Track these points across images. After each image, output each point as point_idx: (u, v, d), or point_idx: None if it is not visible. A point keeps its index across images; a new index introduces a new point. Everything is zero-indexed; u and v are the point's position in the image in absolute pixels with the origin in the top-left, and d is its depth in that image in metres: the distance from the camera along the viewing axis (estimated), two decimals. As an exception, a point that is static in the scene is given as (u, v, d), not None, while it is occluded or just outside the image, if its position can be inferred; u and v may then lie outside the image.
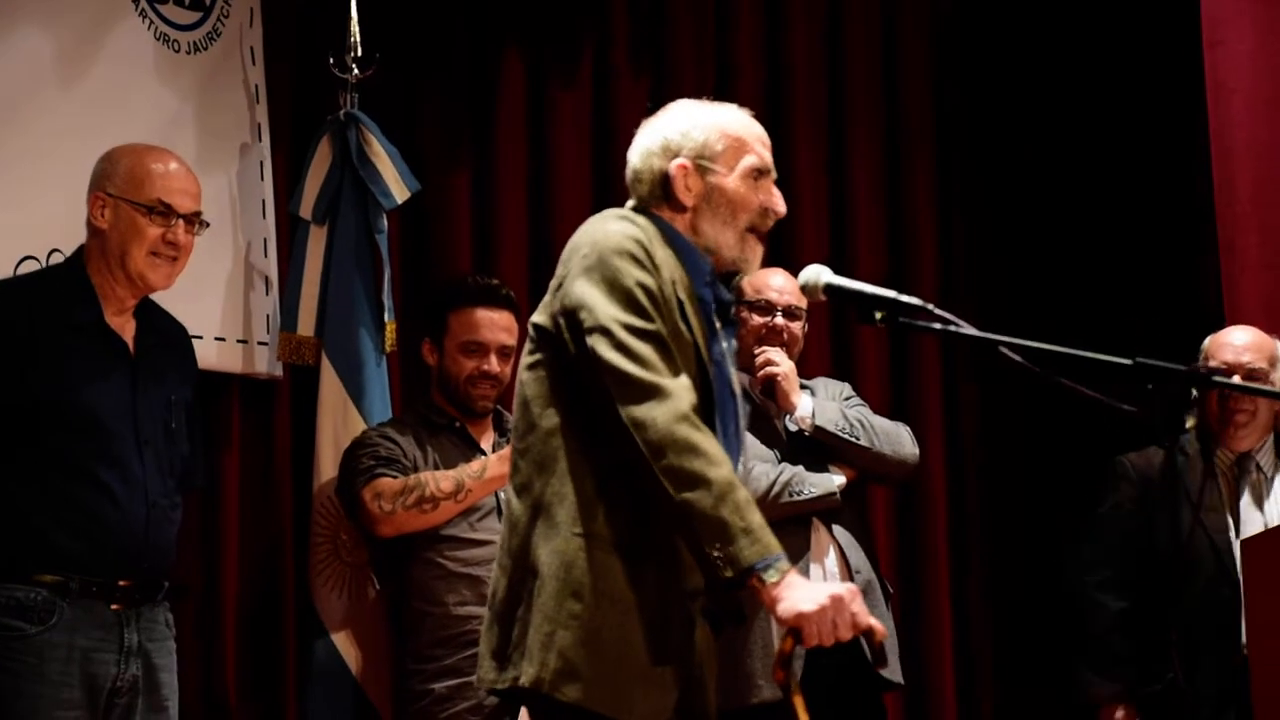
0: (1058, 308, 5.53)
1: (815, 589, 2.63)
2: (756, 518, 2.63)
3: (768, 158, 2.94)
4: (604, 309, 2.72)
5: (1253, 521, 4.30)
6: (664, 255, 2.82)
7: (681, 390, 2.68)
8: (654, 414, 2.64)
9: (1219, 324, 4.49)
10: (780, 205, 2.93)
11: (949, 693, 5.48)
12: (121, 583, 3.40)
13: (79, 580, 3.35)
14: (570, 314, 2.76)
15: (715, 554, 2.60)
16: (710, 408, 2.80)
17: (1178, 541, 4.31)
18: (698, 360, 2.79)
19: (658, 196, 2.91)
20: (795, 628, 2.61)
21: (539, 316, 2.84)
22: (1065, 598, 4.54)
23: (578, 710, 2.67)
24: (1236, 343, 4.32)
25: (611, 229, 2.81)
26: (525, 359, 2.85)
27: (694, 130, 2.91)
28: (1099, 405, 2.90)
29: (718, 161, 2.89)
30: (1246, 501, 4.33)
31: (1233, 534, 4.28)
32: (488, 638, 2.81)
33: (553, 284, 2.85)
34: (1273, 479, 4.35)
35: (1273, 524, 4.25)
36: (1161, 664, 4.26)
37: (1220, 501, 4.33)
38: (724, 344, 2.91)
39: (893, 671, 4.31)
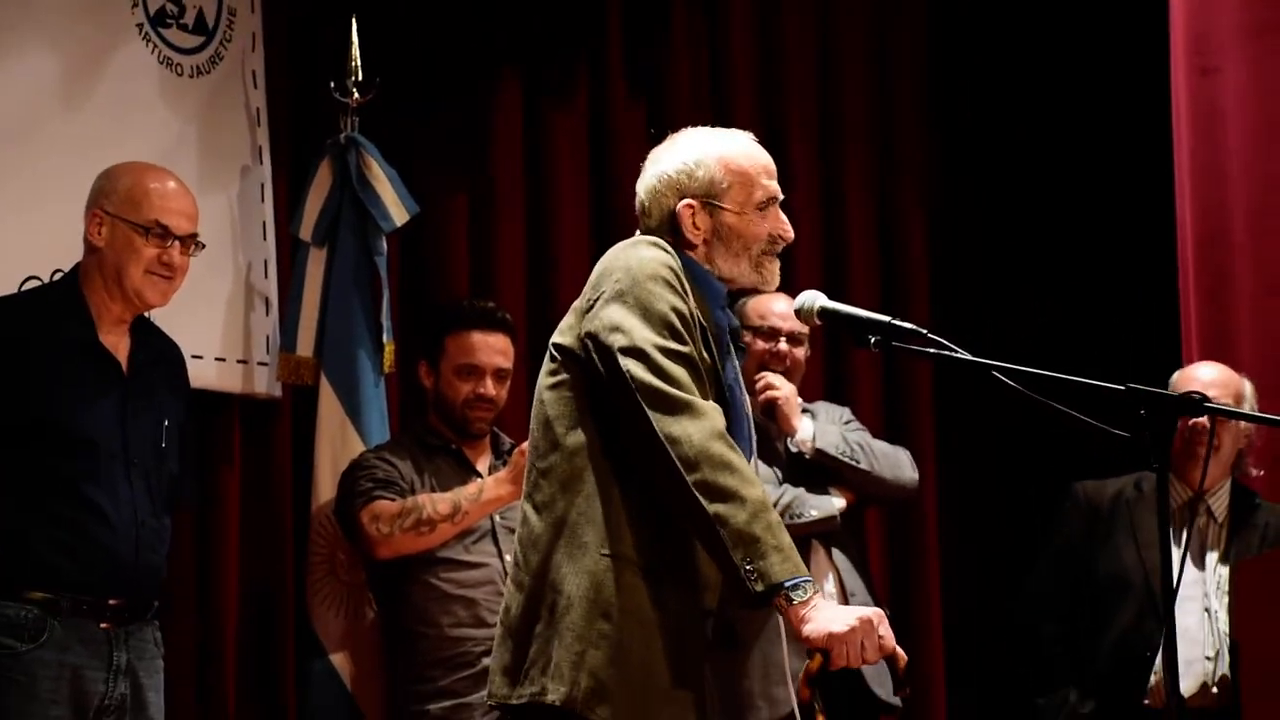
0: (1050, 333, 5.55)
1: (845, 611, 2.66)
2: (787, 539, 2.66)
3: (773, 187, 2.94)
4: (639, 332, 2.74)
5: (1188, 565, 4.30)
6: (688, 283, 2.85)
7: (714, 410, 2.72)
8: (689, 430, 2.68)
9: (1206, 352, 4.50)
10: (788, 231, 2.94)
11: (941, 714, 5.49)
12: (111, 601, 3.40)
13: (69, 599, 3.34)
14: (602, 336, 2.77)
15: (747, 567, 2.62)
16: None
17: (1113, 574, 4.36)
18: (716, 385, 2.82)
19: (666, 232, 2.92)
20: (824, 648, 2.63)
21: (562, 338, 2.85)
22: (1013, 626, 4.62)
23: None
24: (1203, 378, 4.30)
25: (645, 254, 2.83)
26: (546, 379, 2.86)
27: (699, 168, 2.91)
28: (1092, 430, 2.92)
29: (724, 199, 2.90)
30: (1189, 544, 4.35)
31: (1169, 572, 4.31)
32: (499, 653, 2.82)
33: (578, 305, 2.86)
34: (1223, 525, 4.37)
35: (1208, 571, 4.30)
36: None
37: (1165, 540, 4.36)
38: (736, 369, 2.94)
39: (888, 693, 4.34)
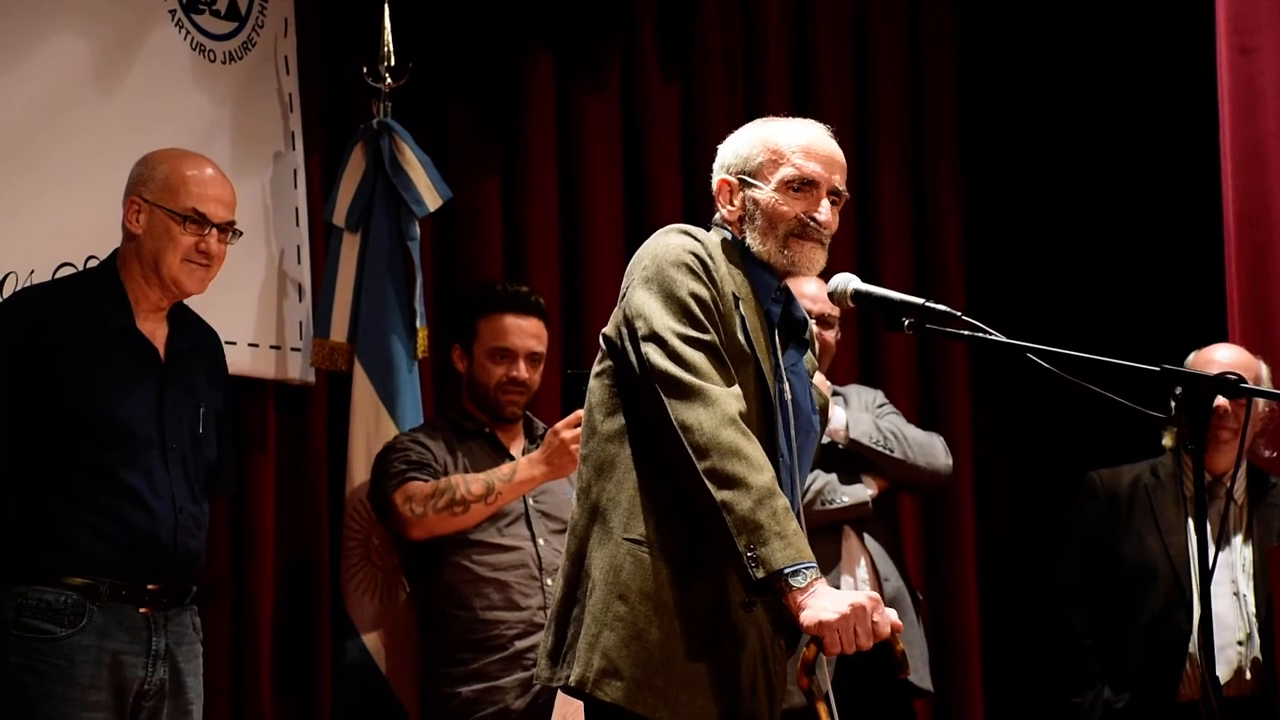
0: (1089, 315, 5.52)
1: (838, 598, 2.65)
2: (793, 525, 2.67)
3: (808, 168, 2.89)
4: (659, 318, 2.76)
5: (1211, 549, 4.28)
6: (728, 270, 2.85)
7: (729, 397, 2.72)
8: (701, 417, 2.69)
9: (1247, 330, 4.47)
10: (820, 214, 2.89)
11: (978, 699, 5.48)
12: (150, 587, 3.41)
13: (108, 584, 3.36)
14: (629, 323, 2.81)
15: (749, 554, 2.64)
16: (771, 422, 2.83)
17: (1139, 562, 4.34)
18: (757, 374, 2.82)
19: (718, 209, 2.97)
20: (817, 636, 2.64)
21: (608, 328, 2.89)
22: (1045, 618, 4.62)
23: (619, 710, 2.71)
24: (1222, 360, 4.25)
25: (672, 241, 2.85)
26: (595, 368, 2.90)
27: (741, 145, 2.94)
28: (1127, 411, 2.91)
29: (756, 175, 2.90)
30: (1209, 527, 4.31)
31: (1192, 558, 4.29)
32: (544, 636, 2.87)
33: (620, 296, 2.90)
34: (1243, 507, 4.34)
35: (1233, 554, 4.27)
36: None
37: (1185, 525, 4.33)
38: (794, 360, 2.92)
39: (922, 678, 4.34)
